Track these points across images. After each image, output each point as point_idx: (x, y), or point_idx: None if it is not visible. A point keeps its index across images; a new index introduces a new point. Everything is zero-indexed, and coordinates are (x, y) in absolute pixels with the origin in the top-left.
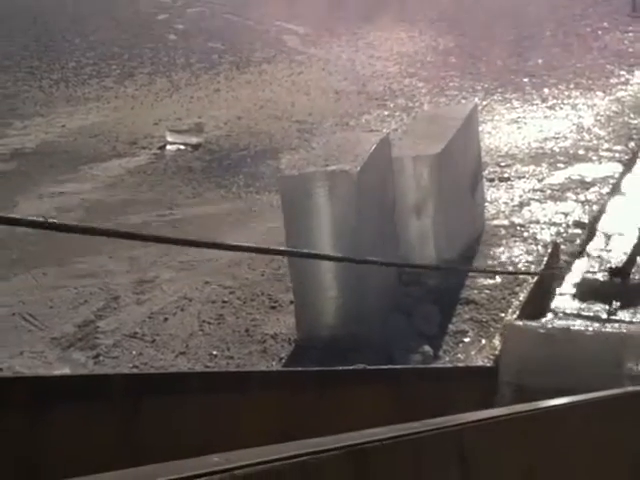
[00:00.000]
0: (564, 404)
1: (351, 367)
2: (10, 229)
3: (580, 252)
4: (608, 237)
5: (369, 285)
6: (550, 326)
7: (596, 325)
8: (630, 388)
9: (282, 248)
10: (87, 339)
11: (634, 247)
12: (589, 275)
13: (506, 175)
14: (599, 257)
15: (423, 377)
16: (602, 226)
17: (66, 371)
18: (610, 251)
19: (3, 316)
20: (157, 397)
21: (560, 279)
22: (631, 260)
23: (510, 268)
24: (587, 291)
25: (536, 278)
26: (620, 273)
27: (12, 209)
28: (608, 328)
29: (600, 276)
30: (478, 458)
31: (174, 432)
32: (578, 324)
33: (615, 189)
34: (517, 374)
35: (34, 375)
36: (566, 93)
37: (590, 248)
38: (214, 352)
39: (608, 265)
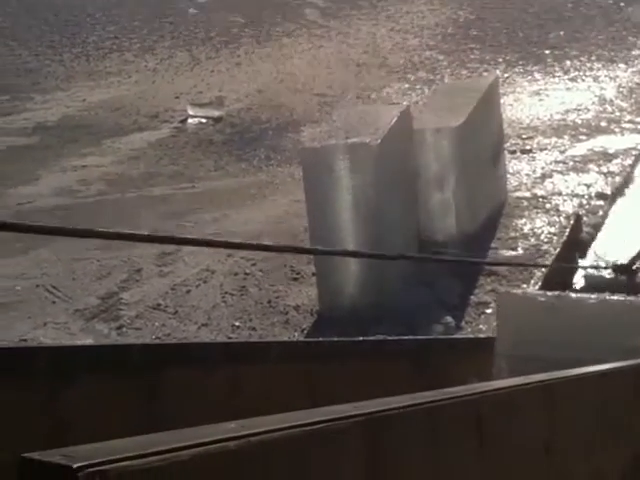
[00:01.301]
0: (584, 374)
1: (372, 338)
2: (28, 203)
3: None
4: (618, 228)
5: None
6: (549, 294)
7: (599, 295)
8: None
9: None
10: (110, 311)
11: None
12: (593, 272)
13: (528, 147)
14: (605, 252)
15: (444, 348)
16: (614, 212)
17: (89, 342)
18: (617, 245)
19: (27, 288)
20: (179, 367)
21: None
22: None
23: (532, 240)
24: (591, 289)
25: (558, 250)
26: (626, 270)
27: (35, 182)
28: (613, 297)
29: (605, 273)
30: (495, 427)
31: (196, 403)
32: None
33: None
34: (514, 346)
35: (56, 345)
36: (588, 65)
37: (597, 242)
38: (236, 323)
39: (612, 262)
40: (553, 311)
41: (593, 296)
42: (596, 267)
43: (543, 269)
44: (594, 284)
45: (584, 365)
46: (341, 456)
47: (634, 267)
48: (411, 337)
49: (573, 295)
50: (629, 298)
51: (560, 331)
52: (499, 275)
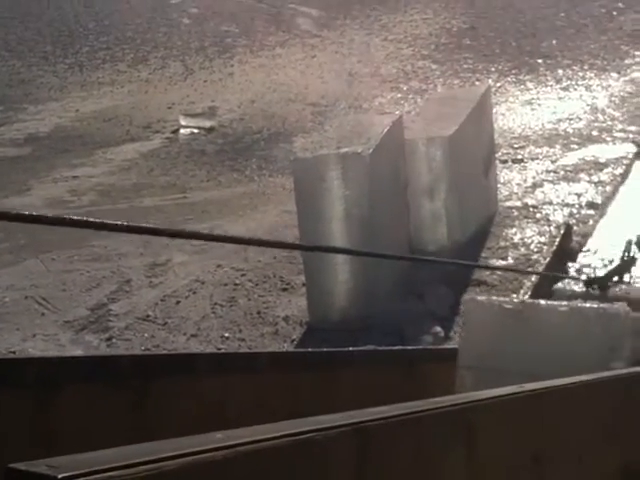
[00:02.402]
0: (574, 383)
1: (362, 348)
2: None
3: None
4: (603, 240)
5: (381, 267)
6: (517, 301)
7: (571, 302)
8: (636, 369)
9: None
10: (100, 322)
11: (621, 261)
12: (564, 285)
13: (519, 156)
14: (582, 268)
15: (433, 358)
16: (603, 223)
17: (78, 353)
18: (598, 258)
19: (16, 299)
20: (168, 378)
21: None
22: (614, 272)
23: (522, 249)
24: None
25: (548, 259)
26: (597, 283)
27: (26, 193)
28: (586, 305)
29: (576, 287)
30: (484, 437)
31: (185, 413)
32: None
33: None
34: (479, 357)
35: (44, 356)
36: (580, 74)
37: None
38: (226, 334)
39: (585, 276)
40: (521, 319)
41: (564, 303)
42: (572, 277)
43: (533, 279)
44: (565, 298)
45: (553, 378)
46: (329, 466)
47: (610, 281)
48: (400, 347)
49: (543, 302)
50: (602, 306)
51: (528, 341)
52: (489, 285)
